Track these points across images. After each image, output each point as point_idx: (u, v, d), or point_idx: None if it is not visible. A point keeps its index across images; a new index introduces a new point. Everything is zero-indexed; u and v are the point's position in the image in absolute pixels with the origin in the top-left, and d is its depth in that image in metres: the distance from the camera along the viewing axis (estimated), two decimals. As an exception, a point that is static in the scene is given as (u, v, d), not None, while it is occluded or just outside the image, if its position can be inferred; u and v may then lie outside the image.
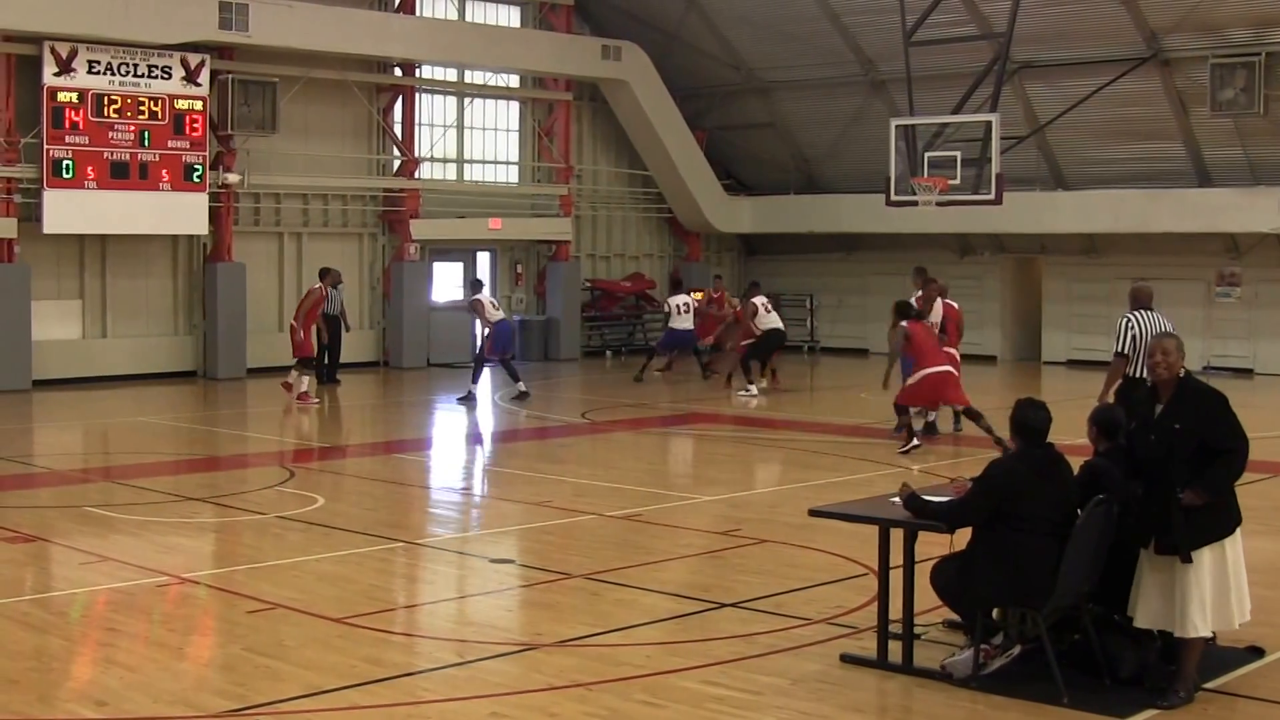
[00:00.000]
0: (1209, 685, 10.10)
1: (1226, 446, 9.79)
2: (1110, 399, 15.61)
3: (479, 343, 30.69)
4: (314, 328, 29.12)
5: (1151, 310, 16.61)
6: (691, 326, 32.83)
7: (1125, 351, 16.28)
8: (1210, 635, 9.98)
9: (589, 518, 16.79)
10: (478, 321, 30.44)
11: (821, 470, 20.73)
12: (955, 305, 24.70)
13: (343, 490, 19.47)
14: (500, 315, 29.16)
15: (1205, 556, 9.74)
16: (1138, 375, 15.88)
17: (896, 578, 10.62)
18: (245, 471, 20.87)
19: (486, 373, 29.36)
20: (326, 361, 31.63)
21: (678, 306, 32.84)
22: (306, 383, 28.27)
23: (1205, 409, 9.88)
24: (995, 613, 10.42)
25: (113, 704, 9.79)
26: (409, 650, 11.49)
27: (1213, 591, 9.79)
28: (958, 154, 30.48)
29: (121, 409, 28.18)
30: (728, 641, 11.34)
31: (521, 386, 28.69)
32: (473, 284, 30.44)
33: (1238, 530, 9.98)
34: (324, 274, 30.41)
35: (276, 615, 12.11)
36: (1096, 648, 10.22)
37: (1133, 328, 16.33)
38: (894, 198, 31.36)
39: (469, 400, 28.50)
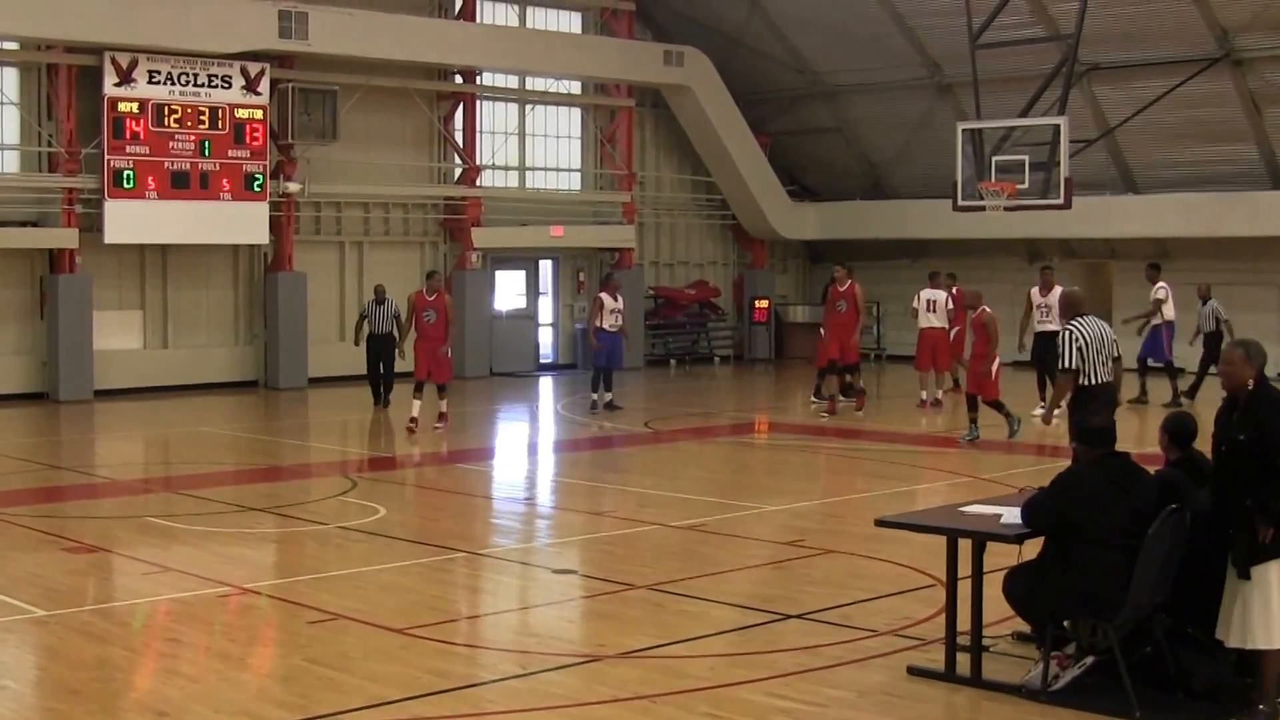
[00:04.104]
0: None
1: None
2: (1065, 412, 15.40)
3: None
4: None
5: (1090, 316, 16.09)
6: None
7: (1072, 365, 15.74)
8: None
9: (652, 528, 16.59)
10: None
11: (888, 480, 20.53)
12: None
13: (405, 500, 19.46)
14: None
15: (1272, 570, 9.38)
16: (1092, 383, 15.61)
17: (965, 589, 10.43)
18: (307, 482, 20.81)
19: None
20: (379, 382, 29.22)
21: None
22: (416, 406, 25.27)
23: (1271, 419, 9.49)
24: (1066, 623, 10.18)
25: (174, 714, 9.74)
26: (471, 661, 11.38)
27: None
28: (1026, 158, 30.07)
29: (182, 419, 28.13)
30: (793, 653, 11.19)
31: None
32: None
33: None
34: (379, 291, 29.22)
35: (338, 626, 12.02)
36: (1169, 660, 9.99)
37: (1077, 340, 15.79)
38: (961, 203, 30.97)
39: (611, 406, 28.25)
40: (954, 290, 29.46)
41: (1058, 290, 25.89)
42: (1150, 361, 29.25)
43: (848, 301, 27.38)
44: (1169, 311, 29.22)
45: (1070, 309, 16.39)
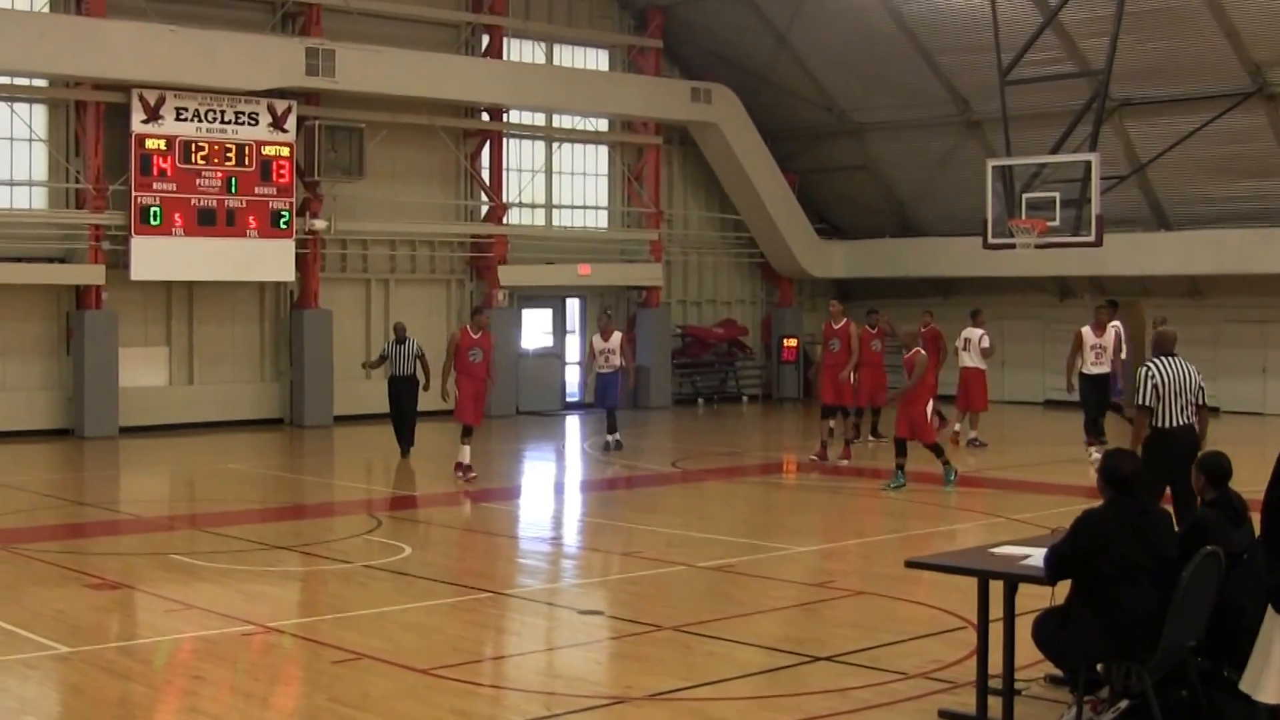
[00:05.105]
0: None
1: None
2: (1138, 452, 14.90)
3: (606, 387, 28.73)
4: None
5: (1175, 356, 15.61)
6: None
7: (1147, 403, 15.25)
8: None
9: (680, 568, 16.44)
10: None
11: (918, 520, 20.32)
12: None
13: (430, 539, 19.32)
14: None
15: None
16: (1167, 425, 15.09)
17: (996, 631, 10.22)
18: (332, 520, 20.70)
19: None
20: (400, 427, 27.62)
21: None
22: (465, 452, 24.29)
23: None
24: (1100, 666, 9.99)
25: (195, 753, 9.57)
26: (496, 702, 11.20)
27: None
28: (1056, 195, 29.95)
29: (207, 456, 28.06)
30: (821, 696, 11.03)
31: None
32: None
33: None
34: (399, 329, 27.79)
35: (362, 665, 11.87)
36: (1204, 703, 9.79)
37: (1153, 376, 15.31)
38: (991, 240, 30.82)
39: (608, 447, 28.05)
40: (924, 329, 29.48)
41: (1111, 331, 26.13)
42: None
43: (840, 340, 26.64)
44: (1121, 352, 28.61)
45: (1154, 347, 15.93)
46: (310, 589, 15.97)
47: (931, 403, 23.15)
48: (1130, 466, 9.89)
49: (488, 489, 23.26)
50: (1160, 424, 14.96)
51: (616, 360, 28.24)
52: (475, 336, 24.19)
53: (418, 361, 27.03)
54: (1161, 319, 26.72)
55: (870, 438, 28.76)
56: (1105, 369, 26.50)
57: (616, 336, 28.27)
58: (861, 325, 27.41)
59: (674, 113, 38.32)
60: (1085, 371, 26.58)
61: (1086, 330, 26.71)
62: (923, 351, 22.92)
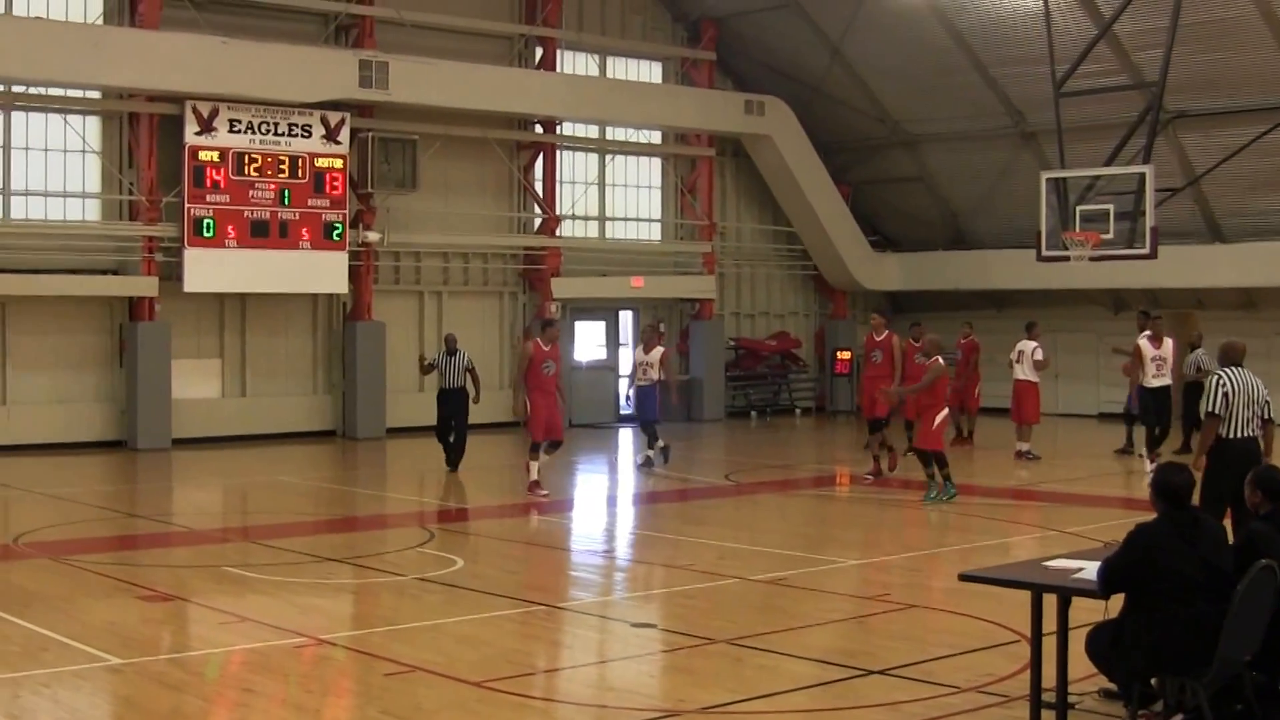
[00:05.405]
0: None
1: None
2: (1203, 461, 14.77)
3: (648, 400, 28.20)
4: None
5: (1243, 367, 15.50)
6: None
7: (1217, 411, 15.12)
8: None
9: (733, 581, 16.38)
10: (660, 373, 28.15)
11: (972, 533, 20.25)
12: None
13: (483, 552, 19.29)
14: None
15: None
16: (1232, 436, 14.95)
17: (1050, 644, 10.18)
18: (384, 532, 20.68)
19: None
20: (448, 441, 27.33)
21: None
22: (535, 469, 23.77)
23: None
24: (1154, 680, 9.91)
25: (248, 766, 9.53)
26: (548, 715, 11.22)
27: None
28: (1110, 207, 29.76)
29: (260, 468, 28.15)
30: (874, 710, 10.97)
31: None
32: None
33: None
34: (450, 341, 27.55)
35: (414, 678, 11.85)
36: (1259, 718, 9.71)
37: (1224, 385, 15.16)
38: (1045, 253, 30.68)
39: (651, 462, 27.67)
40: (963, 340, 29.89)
41: (1169, 343, 26.45)
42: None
43: (883, 352, 26.30)
44: None
45: (1223, 358, 15.82)
46: (363, 601, 15.96)
47: (944, 414, 22.94)
48: (1182, 480, 9.83)
49: (540, 502, 23.19)
50: (1226, 434, 14.88)
51: (655, 374, 27.88)
52: (547, 349, 23.62)
53: (468, 374, 26.88)
54: (1151, 314, 27.04)
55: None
56: (1166, 381, 26.41)
57: (658, 351, 27.90)
58: (904, 338, 27.20)
59: (727, 125, 38.29)
60: (1147, 384, 26.46)
61: (1145, 342, 26.61)
62: (940, 362, 22.74)
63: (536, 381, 23.39)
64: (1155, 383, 26.38)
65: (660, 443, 27.53)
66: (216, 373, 32.29)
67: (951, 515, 21.58)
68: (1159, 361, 26.36)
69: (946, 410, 22.93)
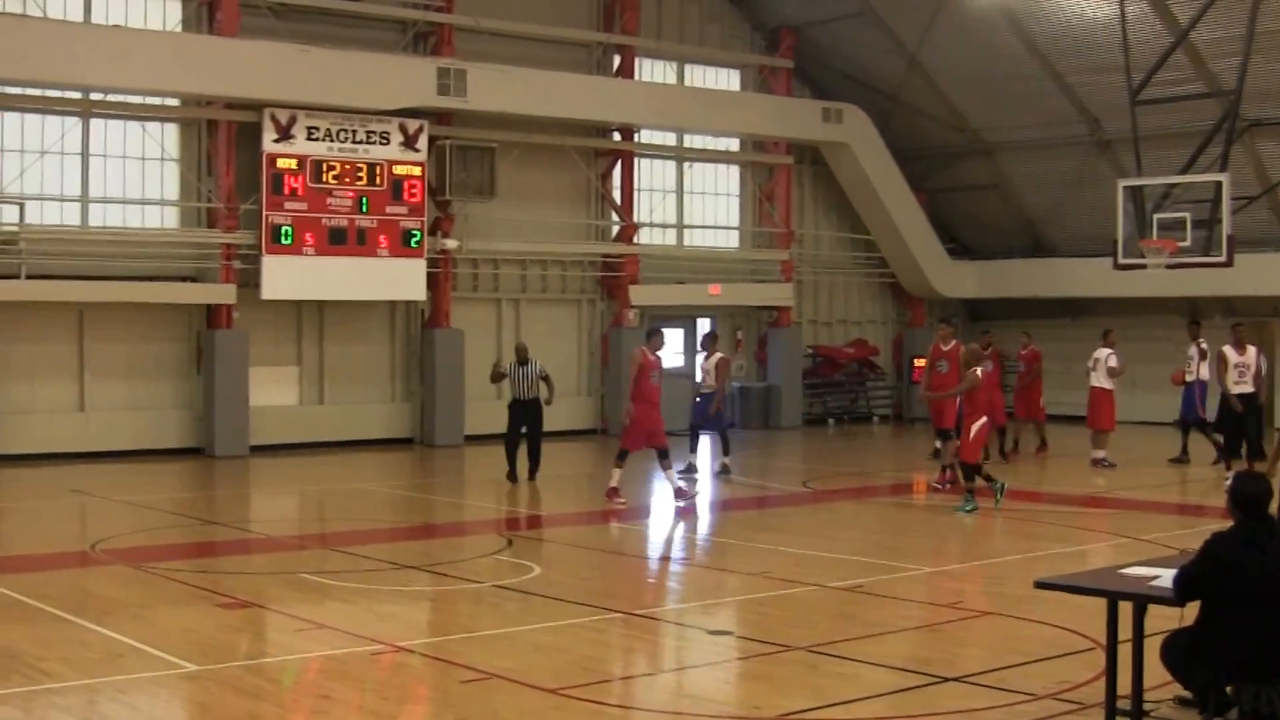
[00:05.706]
0: None
1: None
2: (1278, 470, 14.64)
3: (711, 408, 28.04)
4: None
5: None
6: None
7: None
8: None
9: (809, 589, 16.30)
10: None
11: (1047, 541, 20.15)
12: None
13: (559, 559, 19.24)
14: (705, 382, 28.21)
15: None
16: None
17: (1125, 652, 10.10)
18: (461, 539, 20.78)
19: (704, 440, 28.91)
20: (516, 452, 26.70)
21: None
22: (617, 475, 23.65)
23: None
24: (1229, 688, 9.76)
25: (324, 773, 9.53)
26: (626, 723, 11.15)
27: None
28: (1187, 215, 29.73)
29: (338, 476, 28.22)
30: (950, 716, 10.97)
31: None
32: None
33: None
34: (521, 350, 27.22)
35: (491, 685, 11.82)
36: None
37: None
38: (1122, 260, 30.58)
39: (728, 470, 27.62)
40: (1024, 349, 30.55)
41: (1252, 350, 26.41)
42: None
43: (949, 362, 25.65)
44: (1203, 370, 28.32)
45: None
46: (440, 609, 15.94)
47: (982, 423, 22.70)
48: (1259, 489, 9.74)
49: (616, 509, 23.17)
50: None
51: (712, 380, 27.88)
52: (653, 359, 23.56)
53: (541, 383, 26.43)
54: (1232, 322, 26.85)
55: (999, 458, 28.58)
56: (1249, 388, 26.22)
57: (716, 357, 27.92)
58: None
59: (805, 133, 38.24)
60: (1228, 391, 26.31)
61: (1229, 349, 26.51)
62: (977, 373, 22.54)
63: (642, 393, 23.36)
64: (1238, 389, 26.21)
65: (695, 458, 27.57)
66: (294, 380, 32.44)
67: (1025, 523, 21.53)
68: (1242, 368, 26.23)
69: (985, 419, 22.72)
